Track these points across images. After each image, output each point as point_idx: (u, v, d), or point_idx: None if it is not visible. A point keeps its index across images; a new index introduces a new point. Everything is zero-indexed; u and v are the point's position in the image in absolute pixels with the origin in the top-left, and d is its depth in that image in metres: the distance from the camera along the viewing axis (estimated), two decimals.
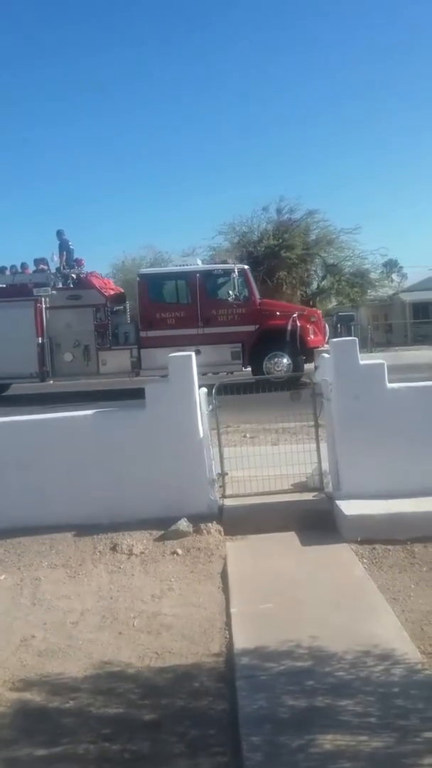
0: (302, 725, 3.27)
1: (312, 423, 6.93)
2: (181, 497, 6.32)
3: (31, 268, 17.75)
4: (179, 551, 5.82)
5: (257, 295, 16.65)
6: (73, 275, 17.10)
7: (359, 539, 5.68)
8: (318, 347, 15.63)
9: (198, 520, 6.17)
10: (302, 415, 7.27)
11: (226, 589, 5.11)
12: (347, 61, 72.12)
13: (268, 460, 6.75)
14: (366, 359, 6.57)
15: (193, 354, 6.68)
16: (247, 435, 9.52)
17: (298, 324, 15.72)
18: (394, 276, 41.13)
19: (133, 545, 5.93)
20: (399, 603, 4.67)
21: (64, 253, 17.74)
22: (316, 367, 7.54)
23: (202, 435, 6.48)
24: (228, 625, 4.52)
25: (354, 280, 32.93)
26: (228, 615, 4.65)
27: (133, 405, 7.02)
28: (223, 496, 6.60)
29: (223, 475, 6.70)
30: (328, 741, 3.14)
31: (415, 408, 6.31)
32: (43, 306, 16.13)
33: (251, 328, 15.85)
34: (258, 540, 5.99)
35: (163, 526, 6.13)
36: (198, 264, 17.75)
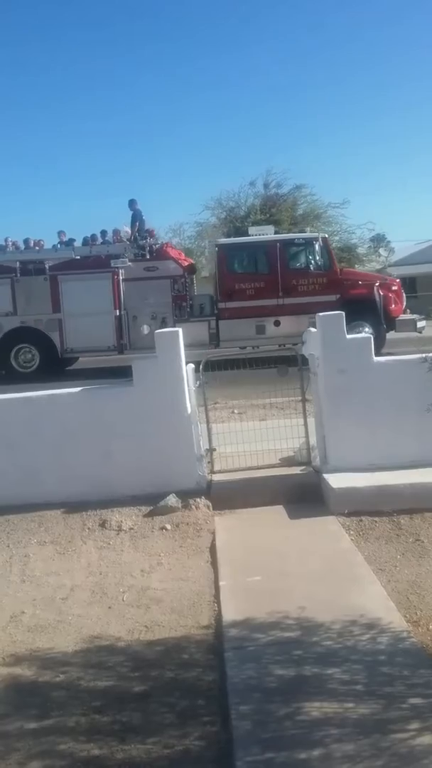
0: (290, 694, 3.32)
1: (299, 397, 6.95)
2: (169, 473, 6.34)
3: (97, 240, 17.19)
4: (168, 527, 5.85)
5: (338, 265, 16.25)
6: (149, 246, 16.52)
7: (346, 512, 5.73)
8: (399, 316, 15.41)
9: (186, 495, 6.19)
10: (290, 390, 7.29)
11: (214, 563, 5.15)
12: (337, 36, 71.13)
13: (256, 435, 6.76)
14: None
15: (180, 330, 6.65)
16: (235, 411, 9.52)
17: (381, 293, 15.26)
18: (381, 251, 40.96)
19: (122, 521, 5.95)
20: (385, 573, 4.73)
21: (137, 223, 17.23)
22: (303, 342, 7.53)
23: (189, 411, 6.48)
24: (217, 598, 4.56)
25: (341, 255, 32.80)
26: (217, 588, 4.69)
27: (121, 382, 6.99)
28: (212, 472, 6.62)
29: (211, 450, 6.72)
30: (315, 708, 3.19)
31: (401, 381, 6.32)
32: (120, 278, 15.73)
33: (332, 298, 15.08)
34: (246, 514, 6.03)
35: (151, 502, 6.15)
36: (271, 233, 17.08)
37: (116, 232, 17.21)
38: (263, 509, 6.04)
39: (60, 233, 17.87)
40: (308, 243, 15.88)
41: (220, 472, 6.62)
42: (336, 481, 6.00)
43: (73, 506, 6.21)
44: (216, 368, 7.21)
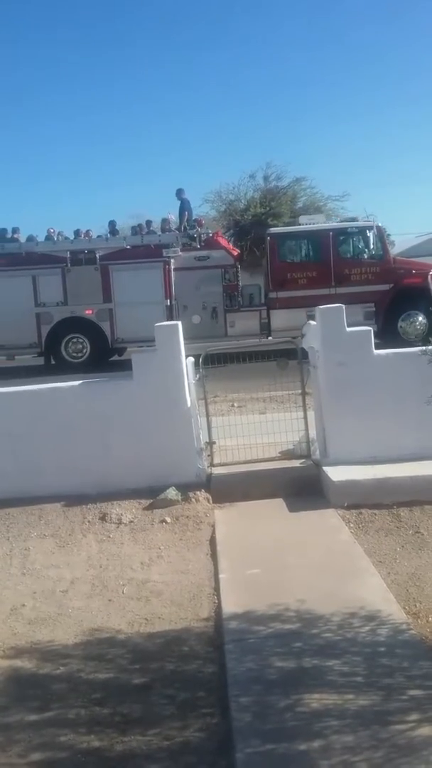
0: (290, 686, 3.33)
1: (299, 391, 6.94)
2: (169, 466, 6.34)
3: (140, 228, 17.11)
4: (168, 519, 5.86)
5: (391, 253, 16.12)
6: (198, 235, 16.32)
7: (346, 504, 5.74)
8: None
9: (186, 488, 6.20)
10: (290, 384, 7.28)
11: (214, 555, 5.16)
12: (337, 30, 70.71)
13: (255, 428, 6.76)
14: None
15: (179, 323, 6.65)
16: (235, 404, 9.53)
17: None
18: None
19: (122, 514, 5.96)
20: (385, 566, 4.74)
21: (186, 212, 17.11)
22: (303, 335, 7.52)
23: (189, 404, 6.48)
24: (217, 590, 4.57)
25: None
26: (216, 581, 4.70)
27: (121, 375, 6.99)
28: (211, 465, 6.62)
29: (210, 443, 6.71)
30: (315, 700, 3.20)
31: (400, 374, 6.32)
32: (171, 267, 15.52)
33: (385, 287, 15.09)
34: (246, 507, 6.04)
35: (151, 495, 6.15)
36: (321, 222, 16.99)
37: (165, 221, 17.04)
38: (263, 502, 6.05)
39: (110, 223, 17.82)
40: (361, 231, 15.71)
41: (219, 465, 6.61)
42: (336, 473, 6.00)
43: (73, 499, 6.21)
44: (216, 362, 7.20)
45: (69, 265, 15.54)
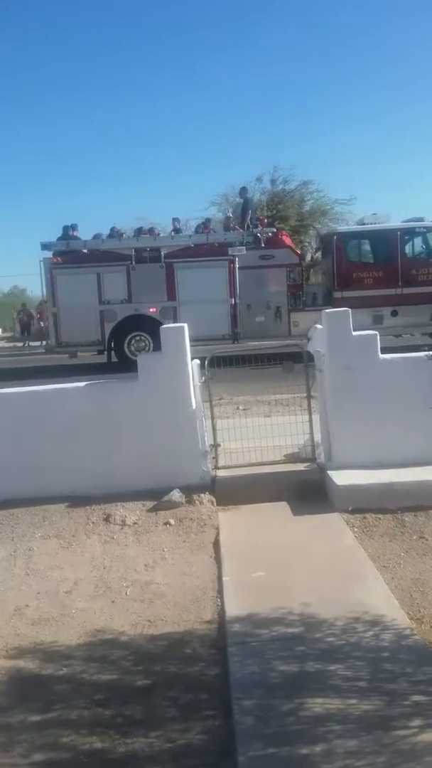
0: (293, 690, 3.33)
1: (305, 394, 6.94)
2: (173, 468, 6.34)
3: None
4: (172, 521, 5.85)
5: None
6: (261, 234, 16.26)
7: (350, 509, 5.72)
8: None
9: (191, 491, 6.19)
10: (295, 387, 7.28)
11: (218, 558, 5.15)
12: (343, 31, 70.71)
13: (260, 431, 6.76)
14: None
15: (185, 325, 6.65)
16: (240, 407, 9.53)
17: None
18: None
19: (126, 516, 5.96)
20: (389, 571, 4.72)
21: (249, 211, 17.14)
22: (308, 338, 7.51)
23: (194, 406, 6.48)
24: (220, 593, 4.57)
25: None
26: (220, 583, 4.70)
27: (127, 377, 6.99)
28: (216, 467, 6.61)
29: (215, 446, 6.71)
30: (318, 704, 3.19)
31: (406, 379, 6.31)
32: (236, 266, 15.54)
33: None
34: (250, 510, 6.03)
35: (155, 497, 6.15)
36: (387, 222, 16.86)
37: (228, 219, 17.09)
38: (267, 505, 6.04)
39: (174, 220, 17.83)
40: (429, 231, 15.66)
41: (224, 467, 6.61)
42: (340, 477, 5.99)
43: (78, 500, 6.22)
44: (221, 364, 7.20)
45: (134, 262, 15.53)
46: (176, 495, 6.11)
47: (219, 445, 6.73)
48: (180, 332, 6.52)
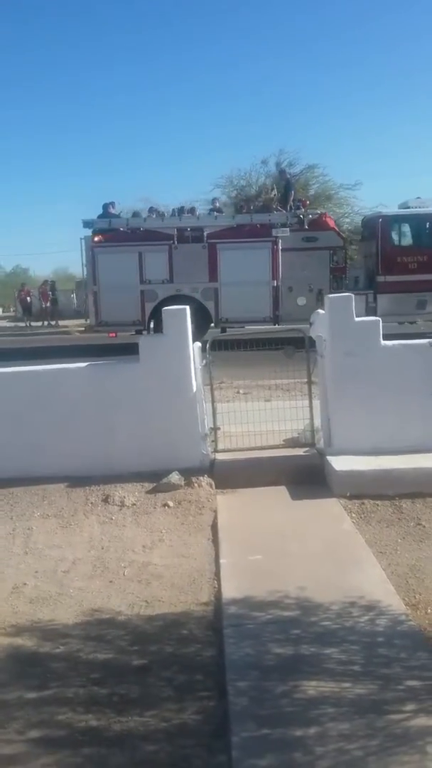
0: (287, 672, 3.35)
1: (305, 380, 6.93)
2: (173, 451, 6.35)
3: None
4: (170, 503, 5.87)
5: None
6: (304, 216, 15.98)
7: (349, 494, 5.74)
8: None
9: (190, 473, 6.21)
10: (296, 372, 7.27)
11: (215, 540, 5.17)
12: (355, 15, 69.79)
13: (260, 415, 6.76)
14: None
15: (187, 308, 6.62)
16: (241, 391, 9.53)
17: None
18: None
19: (124, 497, 5.98)
20: (386, 557, 4.75)
21: (292, 192, 16.96)
22: (311, 324, 7.49)
23: (195, 389, 6.47)
24: (217, 575, 4.59)
25: (352, 237, 32.56)
26: (217, 566, 4.72)
27: (128, 358, 6.98)
28: (215, 451, 6.62)
29: (215, 429, 6.71)
30: (312, 687, 3.22)
31: (407, 366, 6.31)
32: (279, 247, 15.37)
33: None
34: (248, 494, 6.05)
35: (154, 478, 6.17)
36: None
37: (269, 200, 16.88)
38: (266, 489, 6.06)
39: (213, 200, 17.54)
40: None
41: (223, 451, 6.62)
42: (339, 463, 6.00)
43: (77, 480, 6.24)
44: (222, 348, 7.18)
45: (176, 242, 15.37)
46: (175, 477, 6.13)
47: (219, 428, 6.73)
48: (182, 314, 6.50)
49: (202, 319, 15.12)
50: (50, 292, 30.31)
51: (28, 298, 30.83)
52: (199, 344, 6.71)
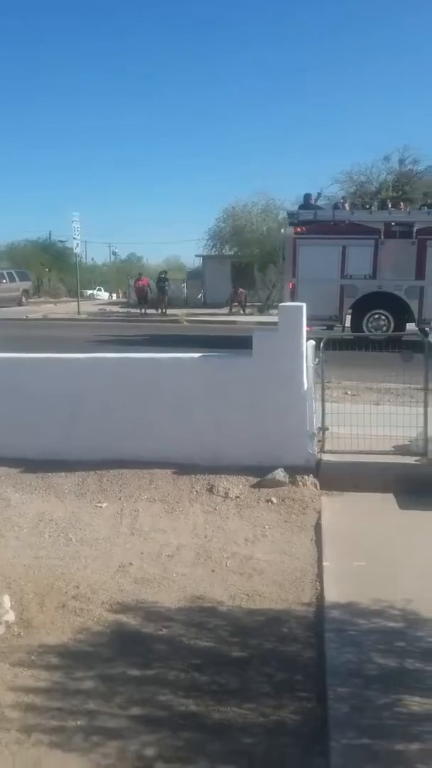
0: (390, 684, 3.28)
1: (420, 386, 6.71)
2: (279, 447, 6.34)
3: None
4: (274, 500, 5.87)
5: None
6: None
7: None
8: None
9: (294, 471, 6.18)
10: (409, 377, 7.06)
11: (319, 542, 5.13)
12: None
13: (369, 419, 6.60)
14: None
15: (303, 305, 6.56)
16: (349, 392, 9.36)
17: None
18: None
19: (229, 489, 6.03)
20: None
21: None
22: (431, 328, 7.24)
23: (306, 387, 6.43)
24: (319, 577, 4.55)
25: None
26: (320, 568, 4.68)
27: (241, 352, 7.02)
28: (322, 451, 6.55)
29: (323, 429, 6.64)
30: (415, 703, 3.14)
31: None
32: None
33: None
34: (354, 497, 5.95)
35: (259, 473, 6.18)
36: None
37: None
38: (372, 495, 5.93)
39: (425, 195, 17.19)
40: None
41: (330, 452, 6.53)
42: None
43: (183, 468, 6.35)
44: (336, 347, 7.07)
45: (383, 237, 14.89)
46: (280, 474, 6.12)
47: (327, 428, 6.65)
48: (298, 311, 6.46)
49: (404, 319, 14.66)
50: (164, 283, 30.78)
51: (146, 287, 31.50)
52: (312, 342, 6.65)
